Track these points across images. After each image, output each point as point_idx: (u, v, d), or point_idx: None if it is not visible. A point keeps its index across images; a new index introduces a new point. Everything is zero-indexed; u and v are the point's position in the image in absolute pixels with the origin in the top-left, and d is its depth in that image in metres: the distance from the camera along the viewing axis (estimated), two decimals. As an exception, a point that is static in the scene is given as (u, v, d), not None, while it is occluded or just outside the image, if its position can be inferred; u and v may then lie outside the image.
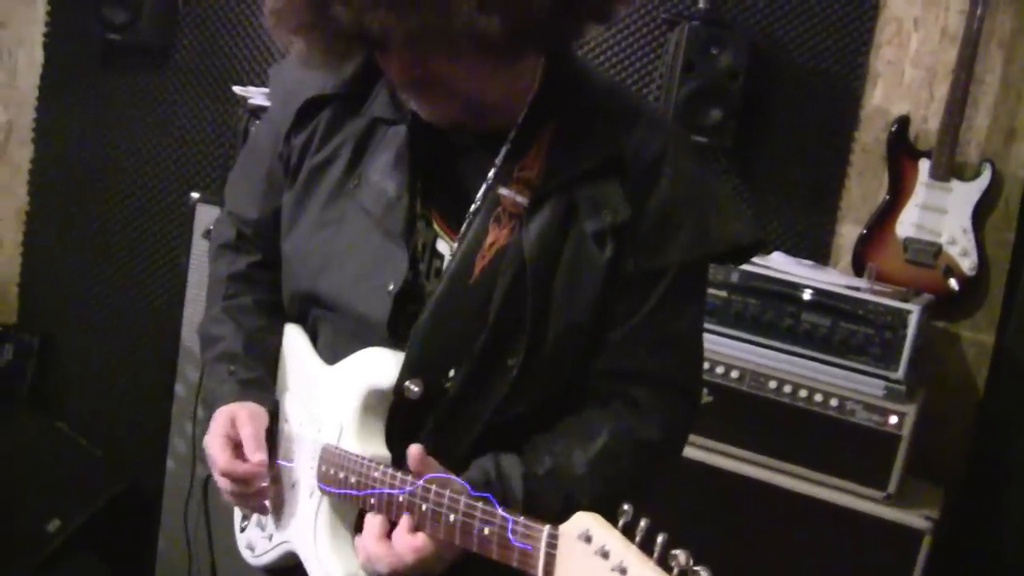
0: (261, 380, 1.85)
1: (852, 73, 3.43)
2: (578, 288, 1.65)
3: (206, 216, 3.44)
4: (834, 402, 2.94)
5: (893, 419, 2.91)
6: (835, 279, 3.10)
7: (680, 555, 1.18)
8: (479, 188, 1.69)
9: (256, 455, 1.71)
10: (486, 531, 1.41)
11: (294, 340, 1.87)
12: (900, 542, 2.86)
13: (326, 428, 1.72)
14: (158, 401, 3.65)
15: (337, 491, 1.66)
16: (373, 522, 1.57)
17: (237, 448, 1.74)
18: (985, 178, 3.27)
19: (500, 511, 1.41)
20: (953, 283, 3.30)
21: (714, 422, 2.99)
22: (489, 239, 1.65)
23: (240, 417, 1.76)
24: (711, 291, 3.05)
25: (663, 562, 1.19)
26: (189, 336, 3.49)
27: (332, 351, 1.76)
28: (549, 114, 1.69)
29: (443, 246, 1.71)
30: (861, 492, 2.92)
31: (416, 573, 1.53)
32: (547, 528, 1.34)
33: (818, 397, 2.96)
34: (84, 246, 4.28)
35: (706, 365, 2.95)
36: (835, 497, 2.93)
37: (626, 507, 1.26)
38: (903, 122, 3.35)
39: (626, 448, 1.69)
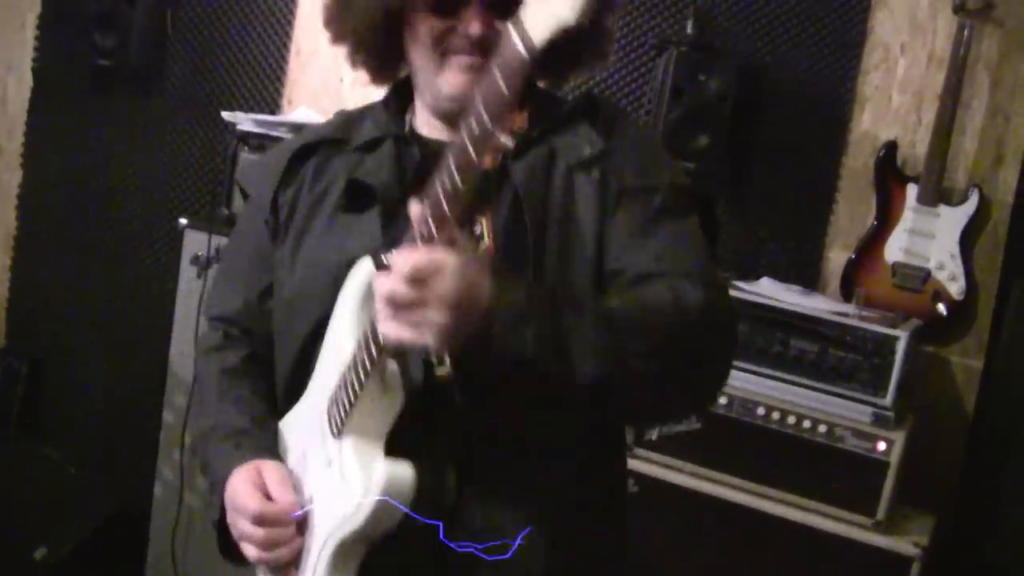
0: (273, 448, 1.80)
1: (840, 98, 3.44)
2: (577, 219, 1.68)
3: (194, 241, 3.45)
4: (822, 428, 2.94)
5: (882, 445, 2.90)
6: (823, 305, 3.10)
7: None
8: None
9: (286, 496, 1.68)
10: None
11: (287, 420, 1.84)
12: (889, 569, 2.84)
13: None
14: (146, 427, 3.64)
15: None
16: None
17: (264, 494, 1.70)
18: (973, 203, 3.27)
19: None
20: (941, 308, 3.30)
21: (702, 448, 2.98)
22: None
23: (265, 467, 1.72)
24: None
25: None
26: (177, 362, 3.49)
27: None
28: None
29: None
30: (850, 519, 2.91)
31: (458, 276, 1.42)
32: None
33: (806, 423, 2.95)
34: (72, 271, 4.28)
35: (694, 391, 2.98)
36: (824, 524, 2.91)
37: None
38: (891, 147, 3.35)
39: (667, 298, 1.59)
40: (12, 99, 4.36)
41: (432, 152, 1.74)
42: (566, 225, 1.68)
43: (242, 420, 1.81)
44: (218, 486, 1.75)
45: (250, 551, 1.71)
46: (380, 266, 1.58)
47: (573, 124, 1.75)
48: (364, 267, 1.66)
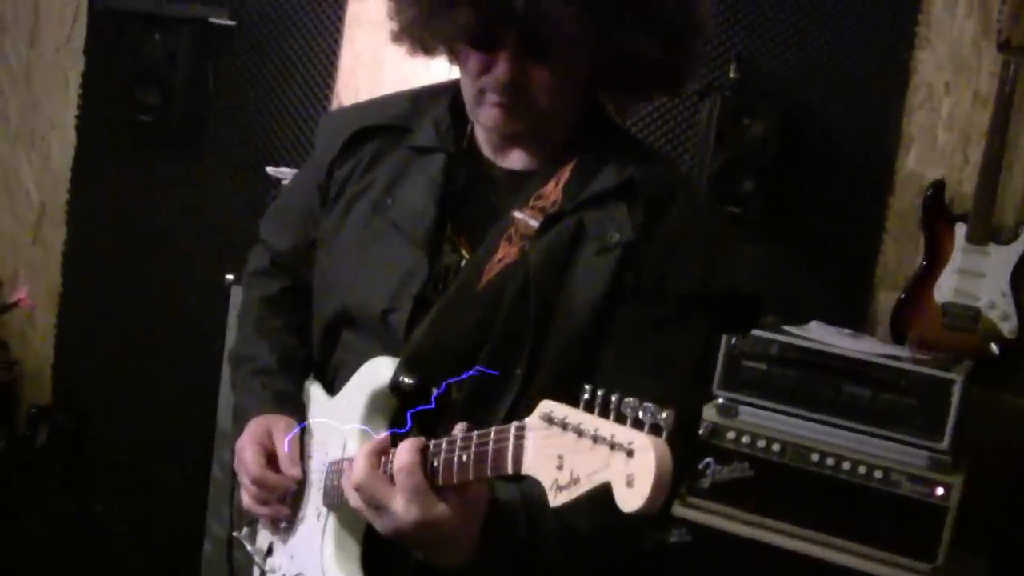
0: (294, 395, 1.91)
1: (885, 138, 3.42)
2: (579, 296, 1.68)
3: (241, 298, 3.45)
4: (878, 474, 2.90)
5: (939, 490, 2.85)
6: (875, 348, 3.07)
7: (632, 402, 1.20)
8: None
9: (291, 469, 1.79)
10: (492, 447, 1.39)
11: (307, 386, 1.93)
12: (950, 615, 2.81)
13: (331, 447, 1.77)
14: (194, 484, 3.63)
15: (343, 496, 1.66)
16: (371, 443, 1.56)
17: (271, 458, 1.80)
18: (1022, 240, 3.24)
19: (512, 427, 1.38)
20: (994, 348, 3.26)
21: (756, 496, 2.95)
22: (499, 255, 1.72)
23: (277, 428, 1.82)
24: (749, 363, 3.02)
25: (620, 417, 1.21)
26: (225, 419, 3.48)
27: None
28: (574, 153, 1.78)
29: None
30: (908, 565, 2.86)
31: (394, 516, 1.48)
32: (514, 424, 1.34)
33: (862, 469, 2.91)
34: (118, 328, 4.30)
35: (746, 439, 2.96)
36: (882, 571, 2.87)
37: (587, 386, 1.25)
38: (938, 186, 3.32)
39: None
40: (56, 156, 4.40)
41: (479, 178, 1.82)
42: (574, 311, 1.68)
43: (272, 358, 1.93)
44: (239, 423, 1.89)
45: (244, 498, 1.86)
46: (396, 387, 1.67)
47: (609, 203, 1.72)
48: (381, 371, 1.70)
